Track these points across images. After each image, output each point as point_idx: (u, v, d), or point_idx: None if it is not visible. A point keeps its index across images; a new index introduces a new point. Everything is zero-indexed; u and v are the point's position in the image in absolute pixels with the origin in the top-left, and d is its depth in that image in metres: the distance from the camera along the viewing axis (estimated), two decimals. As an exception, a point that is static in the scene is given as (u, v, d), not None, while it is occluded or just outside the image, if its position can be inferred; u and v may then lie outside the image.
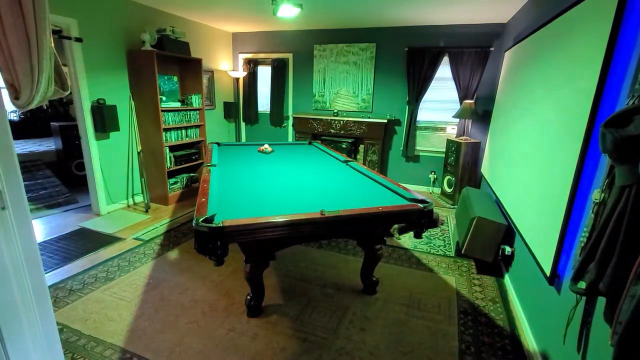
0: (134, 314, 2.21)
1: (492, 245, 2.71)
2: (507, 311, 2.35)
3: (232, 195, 2.22)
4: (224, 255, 1.77)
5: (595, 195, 1.39)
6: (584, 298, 1.46)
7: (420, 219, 2.05)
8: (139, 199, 4.34)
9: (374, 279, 2.51)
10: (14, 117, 6.05)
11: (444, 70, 4.73)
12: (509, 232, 2.69)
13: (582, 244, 1.41)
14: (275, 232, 1.78)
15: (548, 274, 1.78)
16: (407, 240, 3.44)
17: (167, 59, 4.30)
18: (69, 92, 1.08)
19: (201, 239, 1.69)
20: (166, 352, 1.90)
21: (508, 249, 2.63)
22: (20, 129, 5.95)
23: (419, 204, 2.07)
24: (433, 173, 5.13)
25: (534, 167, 2.21)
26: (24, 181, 4.06)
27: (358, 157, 5.42)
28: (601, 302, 1.33)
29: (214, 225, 1.67)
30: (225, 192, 2.28)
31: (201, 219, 1.72)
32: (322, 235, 2.29)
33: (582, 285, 1.29)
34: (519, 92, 2.88)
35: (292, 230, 1.81)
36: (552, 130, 1.97)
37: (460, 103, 4.64)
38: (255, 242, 2.00)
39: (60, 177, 4.70)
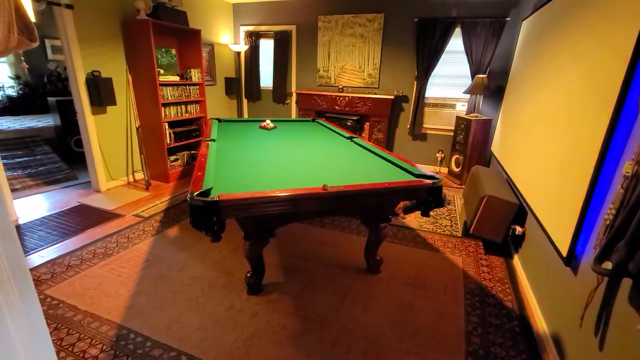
0: (132, 291, 2.16)
1: (502, 225, 2.60)
2: (516, 292, 2.26)
3: (230, 170, 2.11)
4: (221, 231, 1.68)
5: (627, 167, 1.26)
6: (605, 280, 1.35)
7: (428, 196, 1.94)
8: (139, 176, 4.26)
9: (378, 258, 2.43)
10: (12, 92, 5.93)
11: (456, 42, 4.47)
12: (520, 212, 2.56)
13: (608, 222, 1.29)
14: (274, 208, 1.67)
15: (564, 254, 1.67)
16: (412, 219, 3.34)
17: (164, 30, 4.10)
18: (37, 43, 0.96)
19: (196, 214, 1.60)
20: (164, 329, 1.85)
21: (519, 229, 2.52)
22: (19, 105, 5.84)
23: (427, 180, 1.94)
24: (440, 152, 4.97)
25: (553, 142, 2.06)
26: (22, 157, 3.97)
27: (363, 135, 5.26)
28: (625, 284, 1.23)
29: (209, 199, 1.57)
30: (223, 167, 2.17)
31: (196, 193, 1.62)
32: (324, 212, 2.19)
33: (607, 265, 1.18)
34: (539, 62, 2.68)
35: (292, 205, 1.70)
36: (577, 98, 1.81)
37: (472, 78, 4.41)
38: (253, 218, 1.91)
39: (59, 154, 4.63)
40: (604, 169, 1.47)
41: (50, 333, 1.79)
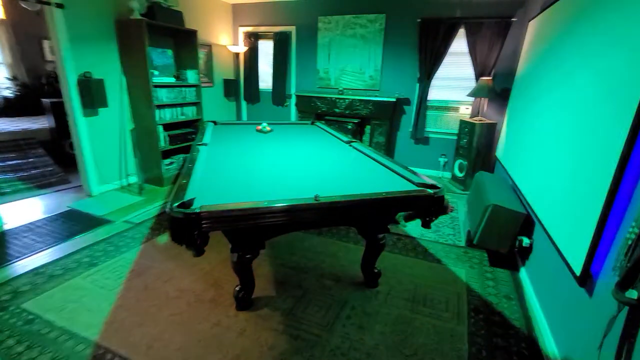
0: (114, 304, 2.04)
1: (508, 235, 2.45)
2: (524, 310, 2.11)
3: (219, 178, 1.99)
4: (204, 245, 1.56)
5: (653, 181, 1.12)
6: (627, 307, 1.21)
7: (429, 206, 1.80)
8: (133, 179, 4.16)
9: (376, 270, 2.29)
10: (9, 93, 5.87)
11: (460, 43, 4.34)
12: (527, 222, 2.42)
13: (630, 242, 1.15)
14: (260, 220, 1.55)
15: (578, 273, 1.52)
16: (413, 228, 3.19)
17: (160, 30, 4.00)
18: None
19: (175, 227, 1.47)
20: (143, 348, 1.73)
21: (526, 240, 2.37)
22: (16, 106, 5.77)
23: (428, 190, 1.81)
24: (443, 156, 4.82)
25: (563, 148, 1.92)
26: (14, 160, 3.85)
27: (364, 138, 5.13)
28: (651, 313, 1.08)
29: (189, 212, 1.45)
30: (211, 173, 2.04)
31: (176, 204, 1.50)
32: (316, 223, 2.06)
33: (633, 294, 1.04)
34: (546, 64, 2.54)
35: (281, 217, 1.57)
36: (591, 103, 1.67)
37: (476, 80, 4.27)
38: (239, 230, 1.78)
39: (53, 156, 4.54)
40: (624, 179, 1.32)
41: (22, 352, 1.67)
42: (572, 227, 1.67)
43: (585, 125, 1.69)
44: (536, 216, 2.24)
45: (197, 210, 1.45)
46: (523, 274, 2.45)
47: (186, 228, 1.47)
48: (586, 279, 1.49)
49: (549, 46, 2.53)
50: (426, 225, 1.91)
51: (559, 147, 1.99)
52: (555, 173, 1.98)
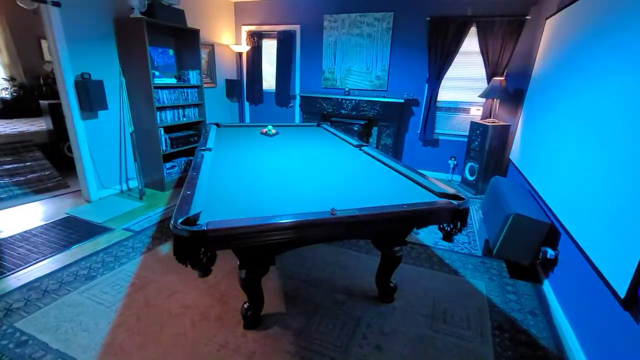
0: (113, 323, 1.90)
1: (531, 246, 2.31)
2: (552, 328, 1.97)
3: (224, 188, 1.85)
4: (211, 264, 1.42)
5: None
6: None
7: (453, 219, 1.67)
8: (133, 184, 4.02)
9: (392, 284, 2.15)
10: (6, 95, 5.73)
11: (471, 43, 4.19)
12: (551, 232, 2.28)
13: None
14: (273, 237, 1.41)
15: (622, 295, 1.38)
16: (426, 235, 3.05)
17: (161, 29, 3.86)
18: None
19: (180, 245, 1.34)
20: (145, 374, 1.60)
21: (551, 252, 2.23)
22: (13, 108, 5.63)
23: (452, 201, 1.67)
24: (453, 159, 4.68)
25: (601, 153, 1.78)
26: (10, 164, 3.69)
27: (371, 140, 4.99)
28: None
29: (195, 229, 1.31)
30: (217, 183, 1.91)
31: (180, 220, 1.36)
32: (331, 237, 1.93)
33: None
34: (572, 64, 2.39)
35: (295, 233, 1.44)
36: (635, 104, 1.52)
37: (488, 81, 4.12)
38: (249, 247, 1.64)
39: (51, 160, 4.40)
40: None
41: (12, 380, 1.54)
42: (612, 240, 1.53)
43: (631, 128, 1.55)
44: (562, 226, 2.10)
45: (204, 228, 1.32)
46: (547, 287, 2.31)
47: (191, 247, 1.33)
48: (633, 302, 1.35)
49: (575, 45, 2.39)
50: (448, 238, 1.78)
51: (595, 152, 1.84)
52: (589, 180, 1.84)
